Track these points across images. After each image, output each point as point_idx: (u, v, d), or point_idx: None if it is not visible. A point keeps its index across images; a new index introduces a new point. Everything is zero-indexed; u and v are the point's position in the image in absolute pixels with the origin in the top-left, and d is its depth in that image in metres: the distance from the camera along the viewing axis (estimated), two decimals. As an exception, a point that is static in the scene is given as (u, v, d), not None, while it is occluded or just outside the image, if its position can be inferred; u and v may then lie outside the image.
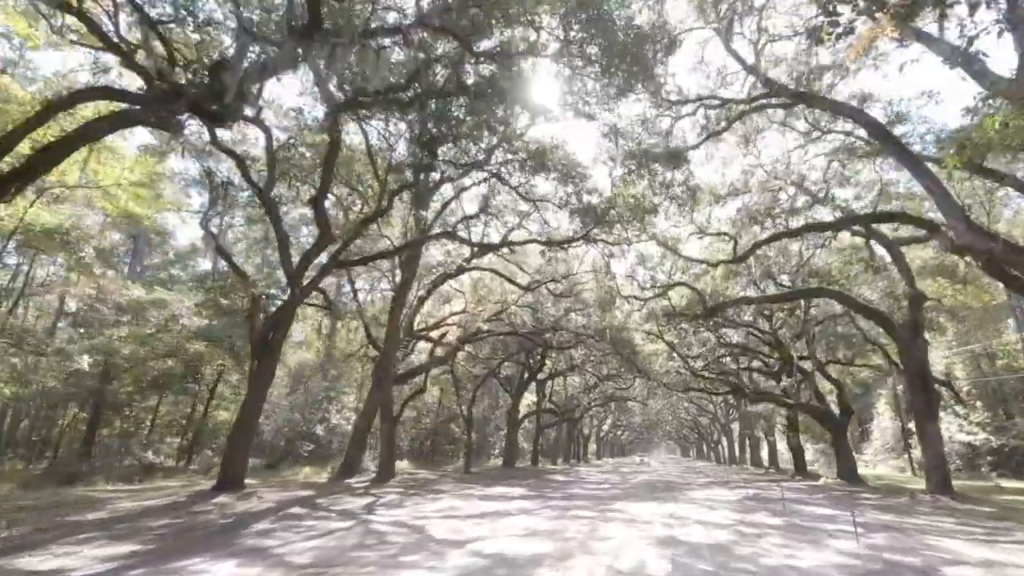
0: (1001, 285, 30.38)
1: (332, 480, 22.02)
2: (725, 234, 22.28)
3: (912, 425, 45.66)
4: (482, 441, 51.94)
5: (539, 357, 39.66)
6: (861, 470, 50.08)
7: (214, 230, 17.98)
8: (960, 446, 39.67)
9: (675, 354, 31.76)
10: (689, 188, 18.33)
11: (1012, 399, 39.71)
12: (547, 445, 66.03)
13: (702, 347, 33.58)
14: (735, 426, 72.54)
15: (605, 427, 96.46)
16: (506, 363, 44.24)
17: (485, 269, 27.60)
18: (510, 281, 27.53)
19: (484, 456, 55.21)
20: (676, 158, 16.50)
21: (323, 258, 17.30)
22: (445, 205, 21.38)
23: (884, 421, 49.89)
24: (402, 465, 35.47)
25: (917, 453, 44.06)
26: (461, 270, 26.94)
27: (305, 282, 16.38)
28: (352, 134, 18.04)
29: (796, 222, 20.01)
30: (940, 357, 38.61)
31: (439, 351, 30.47)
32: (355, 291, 25.33)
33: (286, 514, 11.55)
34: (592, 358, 44.32)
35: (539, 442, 47.75)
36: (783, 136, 21.70)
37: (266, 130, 15.91)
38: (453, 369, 33.64)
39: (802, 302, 26.71)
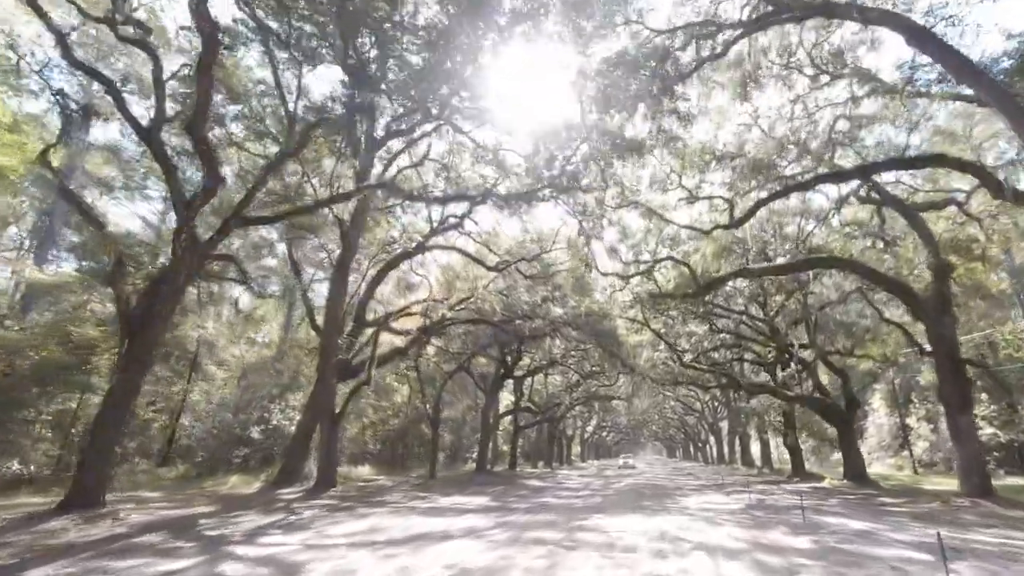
0: (1006, 275, 27.85)
1: (262, 491, 18.56)
2: (720, 198, 19.35)
3: (911, 421, 43.47)
4: (457, 444, 48.59)
5: (515, 351, 36.45)
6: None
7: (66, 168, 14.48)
8: (964, 442, 37.34)
9: (663, 343, 28.74)
10: (681, 118, 15.21)
11: (1018, 391, 37.43)
12: (529, 447, 62.90)
13: (691, 338, 30.62)
14: (723, 425, 70.09)
15: (589, 428, 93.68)
16: (481, 359, 41.08)
17: (447, 248, 24.35)
18: (476, 261, 24.33)
19: (460, 460, 51.85)
20: (664, 88, 13.48)
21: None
22: (393, 159, 17.99)
23: (880, 417, 47.52)
24: (362, 471, 31.99)
25: (917, 450, 41.76)
26: (421, 248, 23.68)
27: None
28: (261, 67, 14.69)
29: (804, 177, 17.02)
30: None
31: (400, 342, 27.16)
32: (296, 266, 21.79)
33: (115, 549, 8.15)
34: (573, 353, 41.26)
35: (518, 444, 44.50)
36: (785, 88, 18.75)
37: (151, 53, 12.52)
38: (417, 364, 30.29)
39: (807, 278, 23.88)
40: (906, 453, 42.90)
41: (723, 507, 14.76)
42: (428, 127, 16.62)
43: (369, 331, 28.85)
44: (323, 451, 19.04)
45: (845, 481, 23.00)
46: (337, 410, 19.76)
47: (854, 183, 21.99)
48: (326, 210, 19.94)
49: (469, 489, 21.42)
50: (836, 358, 29.28)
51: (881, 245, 21.55)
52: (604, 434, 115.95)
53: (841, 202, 20.37)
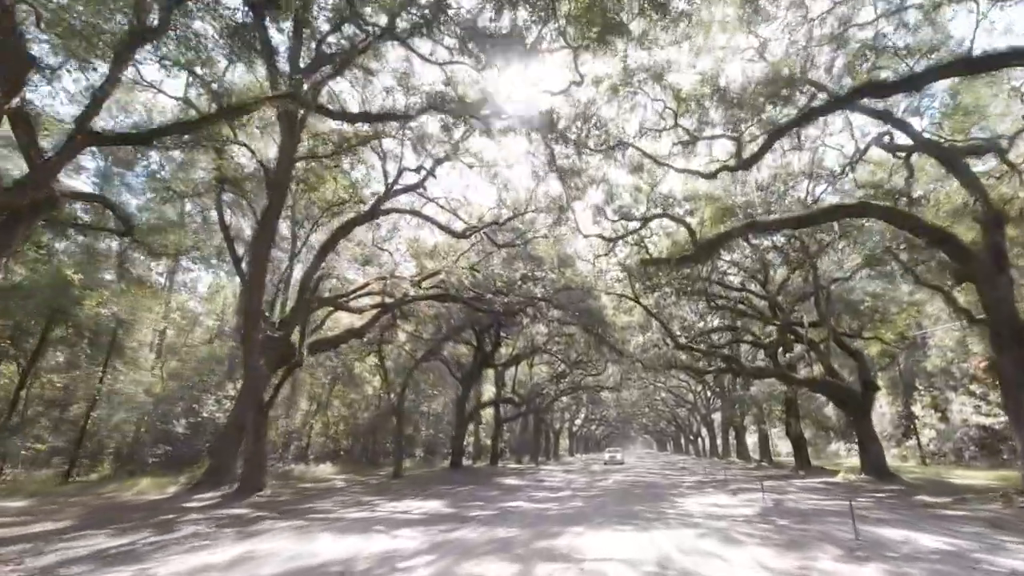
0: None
1: (173, 496, 15.21)
2: (726, 137, 16.19)
3: (917, 409, 41.00)
4: (435, 439, 45.40)
5: (493, 335, 33.26)
6: (853, 460, 45.32)
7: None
8: (976, 430, 34.88)
9: (654, 322, 25.68)
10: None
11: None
12: (515, 442, 59.96)
13: (685, 320, 27.55)
14: (717, 416, 67.60)
15: (578, 422, 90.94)
16: (460, 348, 37.85)
17: (406, 212, 21.07)
18: (441, 228, 21.11)
19: (440, 456, 48.69)
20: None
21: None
22: (325, 80, 14.47)
23: (882, 406, 45.01)
24: (321, 470, 28.65)
25: (924, 440, 39.27)
26: (375, 212, 20.34)
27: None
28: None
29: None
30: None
31: (359, 323, 23.87)
32: (224, 221, 18.20)
33: None
34: (557, 339, 38.18)
35: (499, 438, 41.37)
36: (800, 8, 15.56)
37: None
38: (381, 349, 26.98)
39: (815, 248, 20.90)
40: (911, 443, 40.49)
41: (734, 512, 11.69)
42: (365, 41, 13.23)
43: (327, 312, 25.55)
44: (248, 448, 15.73)
45: (863, 475, 20.12)
46: (267, 399, 16.44)
47: (874, 132, 19.04)
48: (254, 162, 16.52)
49: (430, 490, 18.23)
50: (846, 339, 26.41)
51: (905, 203, 18.55)
52: (593, 428, 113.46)
53: (864, 150, 17.35)
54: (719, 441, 58.75)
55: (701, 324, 26.35)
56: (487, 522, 10.44)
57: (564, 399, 70.38)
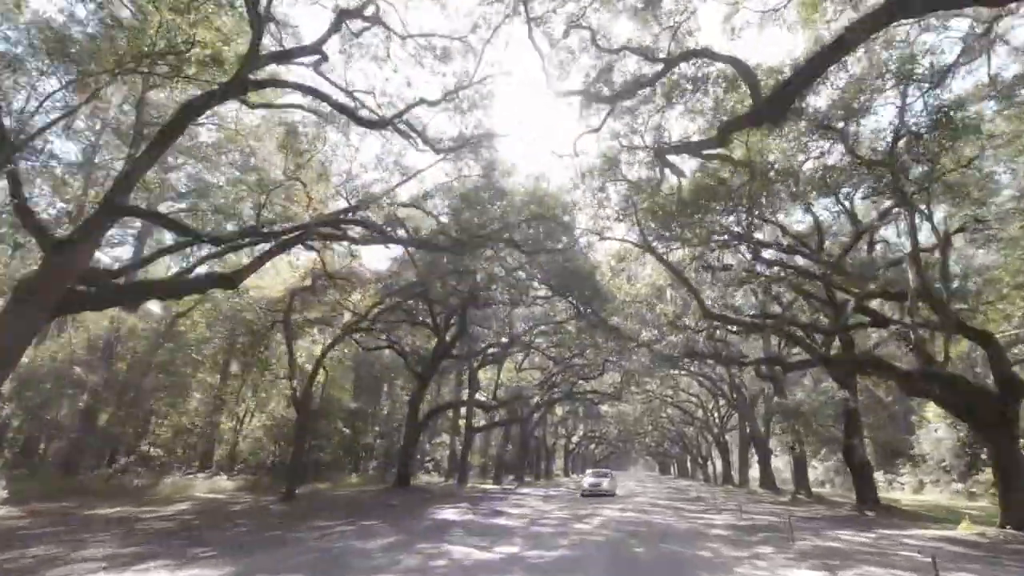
0: None
1: None
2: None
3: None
4: (391, 448, 37.35)
5: (456, 310, 25.69)
6: (906, 497, 36.93)
7: None
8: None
9: (668, 292, 18.13)
10: None
11: None
12: (508, 457, 52.16)
13: (718, 273, 19.34)
14: (731, 436, 59.37)
15: (575, 439, 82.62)
16: (414, 331, 30.30)
17: (290, 85, 13.77)
18: (336, 107, 13.81)
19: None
20: None
21: None
22: None
23: (941, 430, 36.84)
24: (200, 486, 20.98)
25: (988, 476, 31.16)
26: (243, 83, 12.99)
27: None
28: None
29: None
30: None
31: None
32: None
33: None
34: (545, 330, 30.58)
35: (468, 451, 33.45)
36: None
37: None
38: (287, 320, 19.45)
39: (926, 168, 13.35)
40: (982, 477, 32.34)
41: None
42: None
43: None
44: None
45: (1008, 530, 12.27)
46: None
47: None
48: None
49: (254, 537, 10.63)
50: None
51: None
52: (592, 446, 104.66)
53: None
54: (734, 465, 50.47)
55: (748, 273, 18.38)
56: None
57: (559, 411, 62.54)
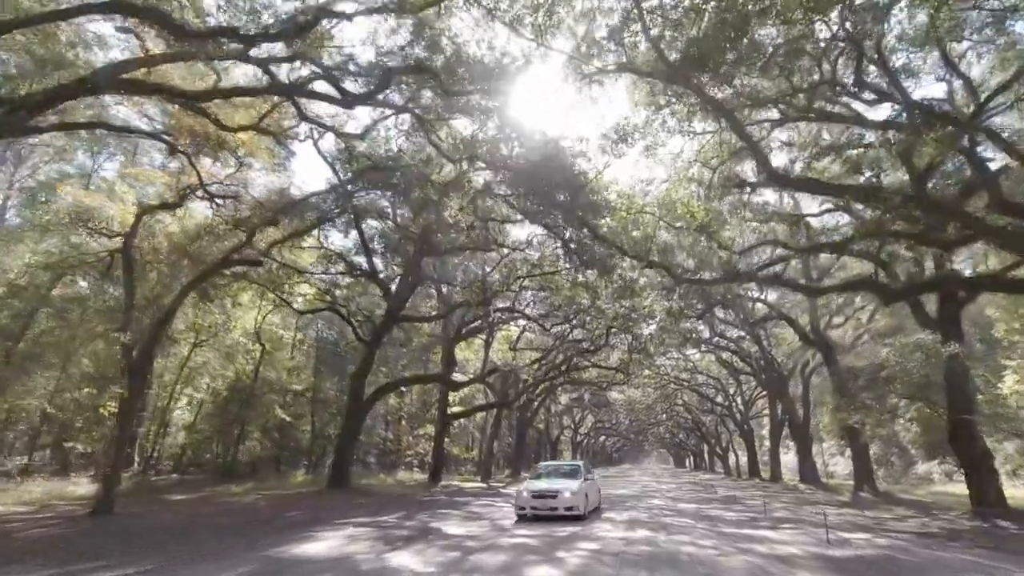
0: None
1: None
2: None
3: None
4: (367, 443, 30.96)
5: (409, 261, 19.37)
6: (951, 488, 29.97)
7: None
8: None
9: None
10: None
11: None
12: (512, 452, 46.08)
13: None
14: (756, 423, 52.75)
15: (583, 430, 76.19)
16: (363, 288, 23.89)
17: None
18: None
19: (374, 466, 34.96)
20: None
21: None
22: None
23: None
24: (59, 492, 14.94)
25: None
26: None
27: None
28: None
29: None
30: None
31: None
32: None
33: None
34: (528, 284, 24.11)
35: (440, 442, 26.96)
36: None
37: None
38: (128, 250, 13.18)
39: None
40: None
41: None
42: None
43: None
44: None
45: None
46: None
47: None
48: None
49: None
50: None
51: None
52: (603, 439, 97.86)
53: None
54: (765, 456, 43.80)
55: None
56: None
57: (563, 400, 56.05)
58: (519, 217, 16.18)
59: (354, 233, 18.66)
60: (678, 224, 13.47)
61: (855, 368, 16.03)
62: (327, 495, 17.33)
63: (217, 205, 14.77)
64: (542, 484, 12.74)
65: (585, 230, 14.17)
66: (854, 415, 16.96)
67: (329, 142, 15.88)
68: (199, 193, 14.11)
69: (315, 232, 19.47)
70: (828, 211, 14.79)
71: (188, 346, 26.48)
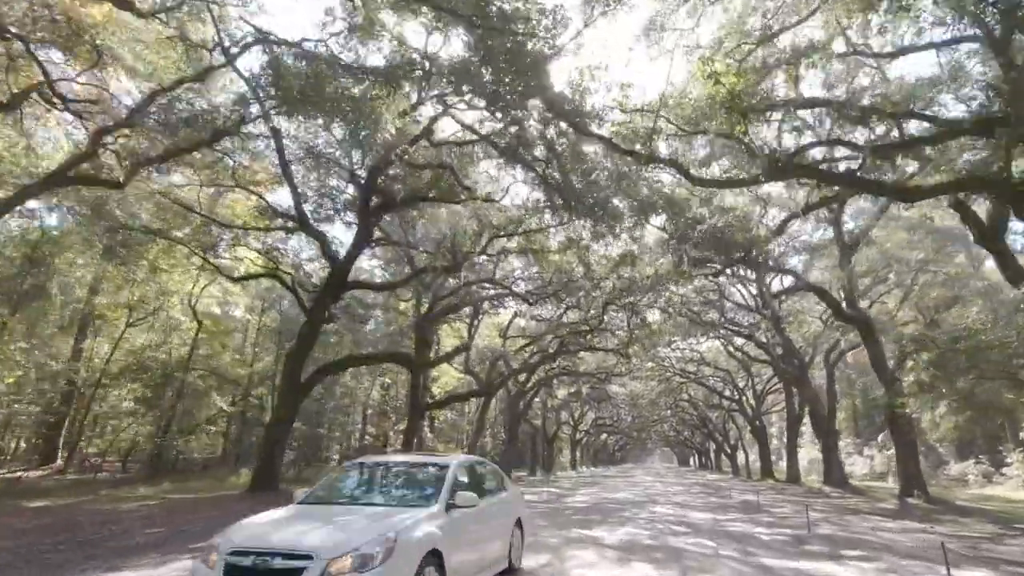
0: None
1: None
2: None
3: None
4: (309, 433, 27.07)
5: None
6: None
7: None
8: None
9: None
10: None
11: None
12: (479, 444, 42.24)
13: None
14: (769, 418, 48.87)
15: (584, 427, 72.29)
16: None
17: None
18: None
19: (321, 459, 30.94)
20: None
21: None
22: None
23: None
24: None
25: None
26: None
27: None
28: None
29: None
30: None
31: None
32: None
33: None
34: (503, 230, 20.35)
35: (411, 436, 23.21)
36: None
37: None
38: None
39: None
40: None
41: None
42: None
43: None
44: None
45: None
46: None
47: None
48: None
49: None
50: None
51: None
52: (604, 437, 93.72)
53: None
54: (781, 454, 39.86)
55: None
56: None
57: (560, 394, 52.21)
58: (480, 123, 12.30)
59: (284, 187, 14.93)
60: (688, 125, 9.61)
61: (924, 336, 12.28)
62: (242, 500, 13.65)
63: (75, 114, 11.06)
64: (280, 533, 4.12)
65: (563, 138, 10.41)
66: (920, 398, 13.15)
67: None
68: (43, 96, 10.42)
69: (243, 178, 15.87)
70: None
71: (121, 326, 23.02)
